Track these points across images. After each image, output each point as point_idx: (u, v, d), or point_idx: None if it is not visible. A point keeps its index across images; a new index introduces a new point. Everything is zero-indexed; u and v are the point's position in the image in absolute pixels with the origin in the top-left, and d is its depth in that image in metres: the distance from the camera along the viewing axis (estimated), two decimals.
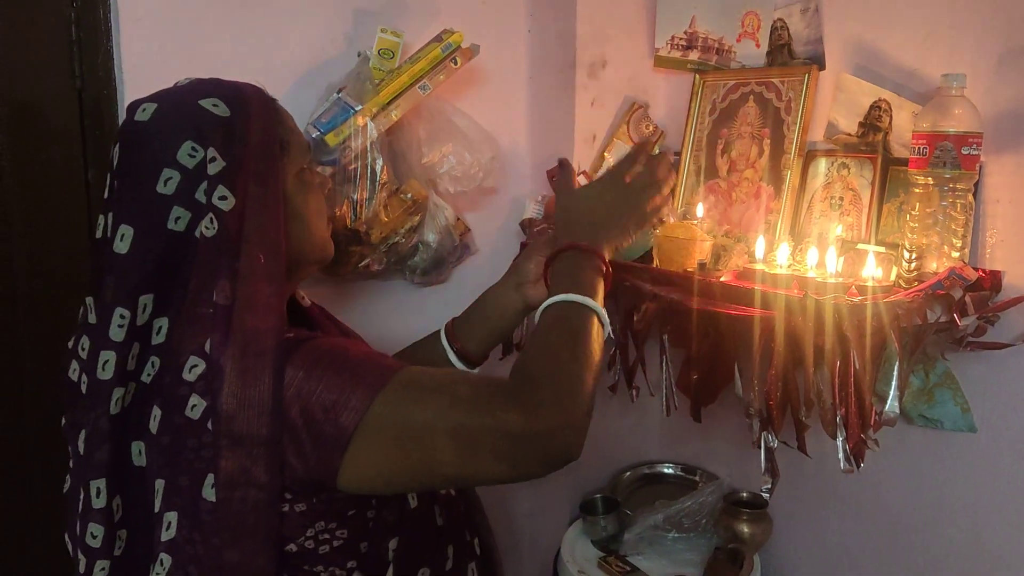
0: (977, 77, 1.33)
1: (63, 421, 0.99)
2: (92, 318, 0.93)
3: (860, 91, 1.52)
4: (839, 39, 1.58)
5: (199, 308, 0.90)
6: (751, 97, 1.70)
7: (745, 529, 1.73)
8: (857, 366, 1.25)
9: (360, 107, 1.49)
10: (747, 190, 1.69)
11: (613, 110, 1.87)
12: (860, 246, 1.42)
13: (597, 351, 0.99)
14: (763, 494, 1.45)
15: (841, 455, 1.29)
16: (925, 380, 1.46)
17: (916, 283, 1.28)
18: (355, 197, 1.52)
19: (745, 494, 1.79)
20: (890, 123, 1.48)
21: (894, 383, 1.29)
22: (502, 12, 1.79)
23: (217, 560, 0.88)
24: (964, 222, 1.31)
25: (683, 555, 1.79)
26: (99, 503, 0.92)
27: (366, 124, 1.50)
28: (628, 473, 2.08)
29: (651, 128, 1.89)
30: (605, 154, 1.86)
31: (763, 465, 1.43)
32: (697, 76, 1.81)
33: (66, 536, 0.98)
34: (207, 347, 0.89)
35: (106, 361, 0.90)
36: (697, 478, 2.03)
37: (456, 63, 1.57)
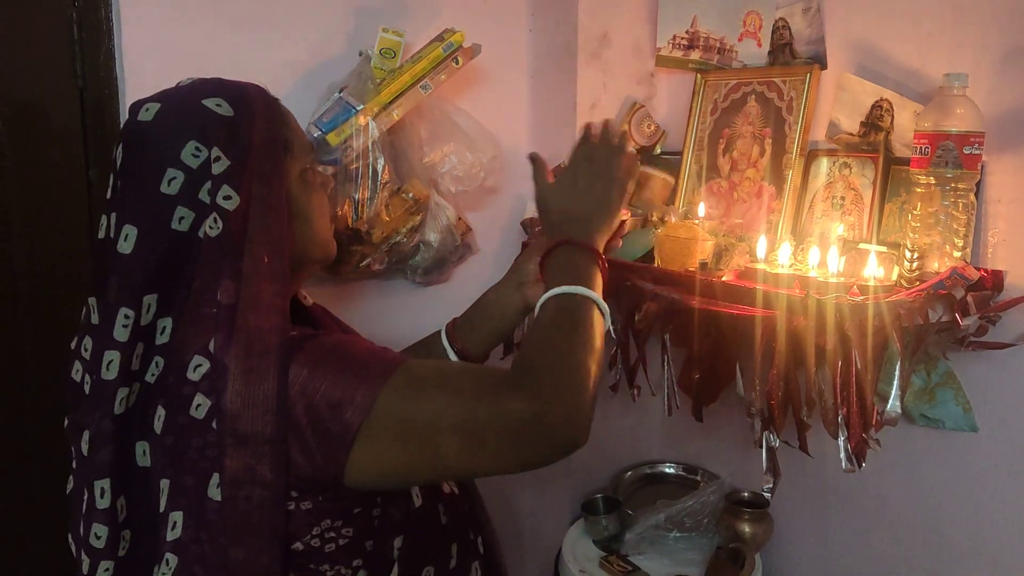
0: (979, 77, 1.33)
1: (66, 422, 0.99)
2: (95, 318, 0.93)
3: (862, 90, 1.52)
4: (841, 38, 1.58)
5: (203, 308, 0.90)
6: (753, 97, 1.70)
7: (746, 529, 1.73)
8: (859, 366, 1.25)
9: (362, 106, 1.49)
10: (749, 190, 1.69)
11: (614, 110, 1.87)
12: (862, 246, 1.42)
13: (598, 340, 0.99)
14: (764, 494, 1.45)
15: (842, 455, 1.29)
16: (927, 380, 1.46)
17: (918, 283, 1.28)
18: (356, 197, 1.52)
19: (746, 494, 1.79)
20: (892, 123, 1.48)
21: (896, 383, 1.30)
22: (503, 11, 1.79)
23: (223, 559, 0.89)
24: (966, 222, 1.31)
25: (684, 555, 1.79)
26: (103, 503, 0.92)
27: (367, 123, 1.50)
28: (629, 473, 2.08)
29: (652, 127, 1.88)
30: None
31: (764, 465, 1.43)
32: (699, 76, 1.81)
33: (69, 537, 0.98)
34: (211, 346, 0.89)
35: (110, 361, 0.90)
36: (698, 478, 2.03)
37: (458, 62, 1.57)
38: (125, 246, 0.91)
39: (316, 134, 1.48)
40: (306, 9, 1.56)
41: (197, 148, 0.92)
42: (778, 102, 1.65)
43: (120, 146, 0.96)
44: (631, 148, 1.21)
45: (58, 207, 1.48)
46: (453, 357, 1.30)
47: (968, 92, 1.29)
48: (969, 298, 1.27)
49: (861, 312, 1.23)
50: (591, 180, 1.16)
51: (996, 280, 1.33)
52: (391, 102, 1.52)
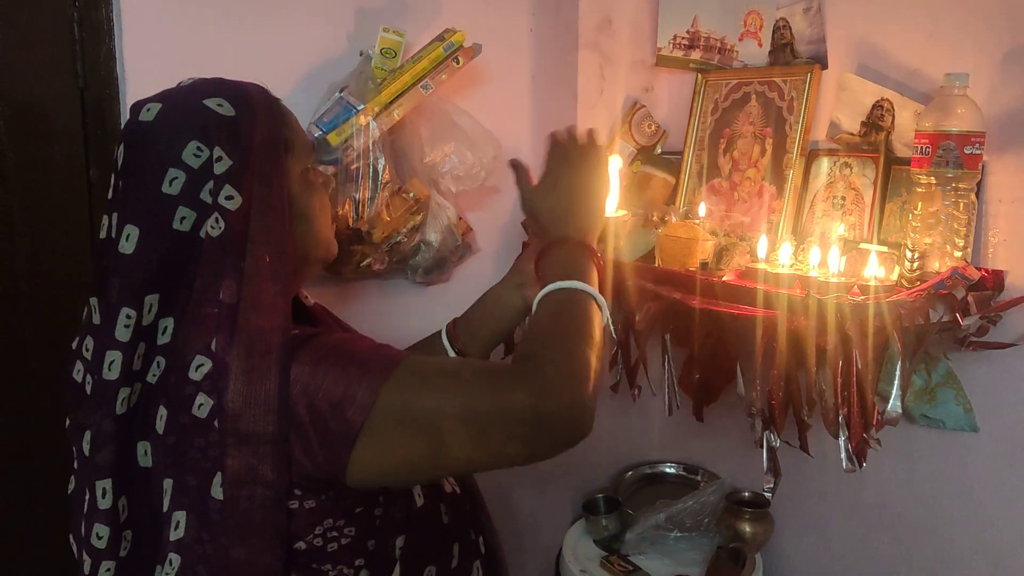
0: (980, 76, 1.33)
1: (67, 422, 0.99)
2: (97, 319, 0.93)
3: (862, 90, 1.52)
4: (841, 38, 1.58)
5: (204, 308, 0.90)
6: (753, 96, 1.70)
7: (747, 528, 1.73)
8: (859, 365, 1.25)
9: (362, 106, 1.49)
10: (749, 189, 1.69)
11: (615, 109, 1.87)
12: (862, 245, 1.42)
13: (597, 332, 0.99)
14: (765, 493, 1.45)
15: (843, 454, 1.29)
16: (927, 380, 1.46)
17: (918, 283, 1.28)
18: (357, 196, 1.52)
19: (747, 493, 1.79)
20: (892, 122, 1.48)
21: (896, 383, 1.30)
22: (504, 11, 1.79)
23: (225, 559, 0.88)
24: (967, 221, 1.31)
25: (685, 554, 1.79)
26: (105, 504, 0.91)
27: (368, 123, 1.50)
28: (630, 473, 2.08)
29: (653, 127, 1.88)
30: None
31: (765, 464, 1.43)
32: (699, 75, 1.81)
33: (71, 537, 0.98)
34: (213, 346, 0.89)
35: (112, 361, 0.90)
36: (699, 478, 2.03)
37: (458, 62, 1.57)
38: (127, 246, 0.91)
39: (317, 134, 1.48)
40: (307, 9, 1.56)
41: (199, 148, 0.92)
42: (779, 102, 1.65)
43: (121, 146, 0.96)
44: (600, 139, 1.22)
45: (59, 207, 1.48)
46: (453, 356, 1.30)
47: (969, 92, 1.29)
48: (970, 298, 1.27)
49: (862, 312, 1.23)
50: (572, 178, 1.17)
51: (997, 280, 1.33)
52: (392, 102, 1.52)
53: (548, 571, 1.95)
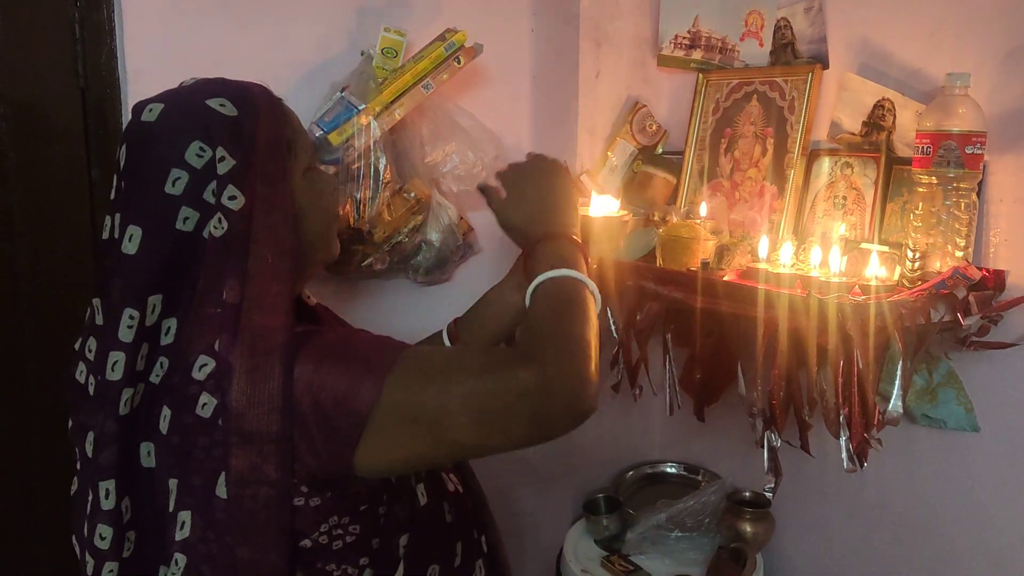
0: (981, 76, 1.33)
1: (70, 423, 0.99)
2: (99, 319, 0.93)
3: (864, 90, 1.52)
4: (843, 38, 1.58)
5: (208, 308, 0.90)
6: (754, 96, 1.70)
7: (748, 528, 1.73)
8: (860, 365, 1.25)
9: (363, 106, 1.49)
10: (750, 189, 1.69)
11: (616, 109, 1.87)
12: (864, 245, 1.42)
13: (593, 315, 1.01)
14: (766, 493, 1.45)
15: (844, 454, 1.29)
16: (928, 379, 1.46)
17: (920, 282, 1.28)
18: (358, 196, 1.52)
19: (748, 493, 1.79)
20: (894, 122, 1.48)
21: (897, 382, 1.30)
22: (505, 11, 1.79)
23: (230, 558, 0.89)
24: (968, 221, 1.31)
25: (686, 554, 1.79)
26: (108, 504, 0.91)
27: (369, 123, 1.50)
28: (631, 472, 2.08)
29: (654, 127, 1.89)
30: (608, 153, 1.86)
31: (766, 464, 1.43)
32: (700, 75, 1.81)
33: (73, 538, 0.98)
34: (216, 346, 0.89)
35: (115, 362, 0.90)
36: (700, 477, 2.03)
37: (459, 62, 1.57)
38: (129, 247, 0.91)
39: (318, 133, 1.48)
40: (308, 8, 1.57)
41: (201, 148, 0.92)
42: (780, 102, 1.65)
43: (124, 146, 0.96)
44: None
45: (60, 207, 1.48)
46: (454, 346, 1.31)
47: (970, 92, 1.29)
48: (971, 298, 1.27)
49: (863, 312, 1.23)
50: (536, 184, 1.20)
51: (998, 280, 1.33)
52: (393, 101, 1.52)
53: (549, 571, 1.95)
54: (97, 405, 0.92)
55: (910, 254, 1.30)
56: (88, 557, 0.94)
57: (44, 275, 1.49)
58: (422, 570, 1.04)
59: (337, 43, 1.60)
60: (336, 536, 0.94)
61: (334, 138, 1.48)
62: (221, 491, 0.88)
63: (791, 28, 1.66)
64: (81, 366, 0.97)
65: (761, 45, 1.72)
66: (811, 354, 1.29)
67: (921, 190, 1.32)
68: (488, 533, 1.18)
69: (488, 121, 1.68)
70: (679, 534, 1.81)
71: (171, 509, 0.91)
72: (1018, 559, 1.42)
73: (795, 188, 1.60)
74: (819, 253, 1.39)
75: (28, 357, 1.50)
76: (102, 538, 0.92)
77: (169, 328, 0.92)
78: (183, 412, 0.89)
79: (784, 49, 1.68)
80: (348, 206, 1.52)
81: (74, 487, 0.98)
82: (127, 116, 1.03)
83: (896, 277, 1.33)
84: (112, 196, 0.96)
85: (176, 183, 0.92)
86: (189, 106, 0.96)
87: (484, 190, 1.26)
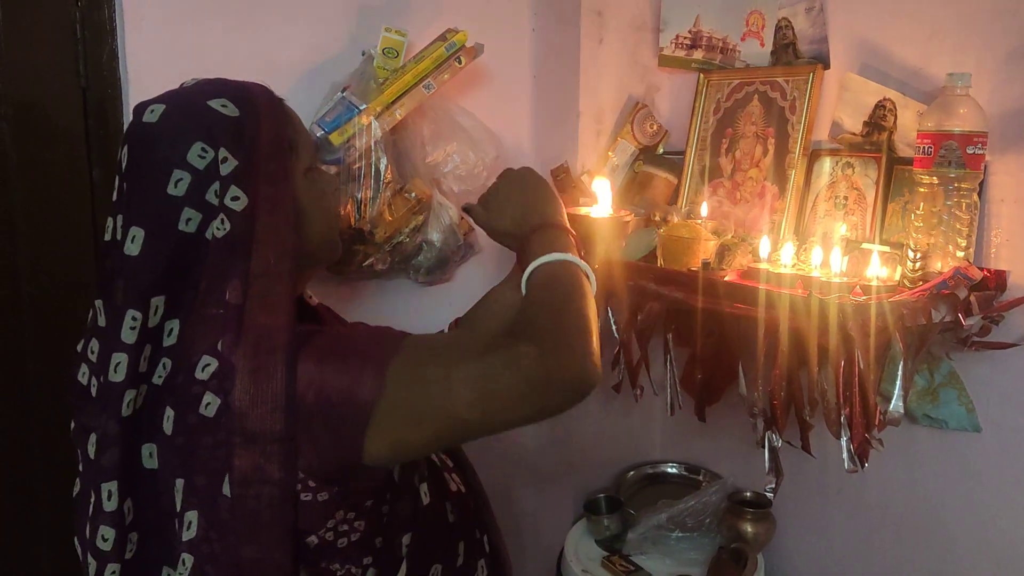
0: (982, 76, 1.33)
1: (72, 425, 0.99)
2: (102, 321, 0.93)
3: (865, 90, 1.52)
4: (844, 38, 1.58)
5: (210, 309, 0.90)
6: (755, 96, 1.70)
7: (749, 528, 1.73)
8: (861, 366, 1.25)
9: (364, 106, 1.49)
10: (751, 189, 1.69)
11: (617, 109, 1.87)
12: (864, 245, 1.42)
13: (588, 293, 1.02)
14: (767, 494, 1.45)
15: (845, 455, 1.29)
16: (930, 380, 1.46)
17: (921, 283, 1.28)
18: (359, 196, 1.52)
19: (749, 493, 1.79)
20: (895, 122, 1.48)
21: (898, 383, 1.30)
22: (506, 11, 1.79)
23: (235, 557, 0.89)
24: (969, 221, 1.31)
25: (687, 554, 1.79)
26: (110, 506, 0.92)
27: (370, 123, 1.50)
28: (632, 473, 2.08)
29: (655, 127, 1.88)
30: (609, 153, 1.86)
31: (767, 465, 1.43)
32: (701, 75, 1.81)
33: (75, 540, 0.98)
34: (219, 346, 0.89)
35: (118, 363, 0.90)
36: (701, 477, 2.03)
37: (460, 62, 1.57)
38: (132, 248, 0.91)
39: (319, 134, 1.48)
40: (309, 9, 1.56)
41: (203, 149, 0.92)
42: (781, 102, 1.65)
43: (125, 148, 0.96)
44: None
45: (61, 207, 1.48)
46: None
47: (971, 92, 1.29)
48: (972, 298, 1.27)
49: (864, 312, 1.23)
50: (513, 190, 1.23)
51: (999, 280, 1.33)
52: (394, 102, 1.52)
53: (550, 571, 1.95)
54: (100, 407, 0.92)
55: (911, 254, 1.30)
56: (90, 558, 0.94)
57: (45, 275, 1.48)
58: (425, 570, 1.04)
59: (338, 43, 1.60)
60: (342, 533, 0.94)
61: (335, 138, 1.48)
62: (226, 491, 0.88)
63: (792, 28, 1.66)
64: (83, 367, 0.97)
65: (762, 45, 1.72)
66: (812, 354, 1.29)
67: (922, 190, 1.32)
68: (490, 533, 1.19)
69: (489, 121, 1.68)
70: (680, 534, 1.81)
71: (178, 509, 0.91)
72: (1020, 559, 1.41)
73: (796, 188, 1.60)
74: (820, 253, 1.39)
75: (29, 357, 1.50)
76: (104, 539, 0.92)
77: (172, 329, 0.92)
78: (187, 412, 0.90)
79: (785, 49, 1.68)
80: (349, 206, 1.52)
81: (76, 488, 0.98)
82: (128, 116, 1.03)
83: (897, 277, 1.33)
84: (114, 197, 0.96)
85: (178, 184, 0.92)
86: (190, 107, 0.96)
87: (467, 209, 1.29)
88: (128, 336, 0.90)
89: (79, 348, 0.98)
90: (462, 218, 1.72)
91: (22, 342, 1.49)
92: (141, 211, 0.92)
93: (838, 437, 1.29)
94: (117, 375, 0.90)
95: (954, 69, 1.31)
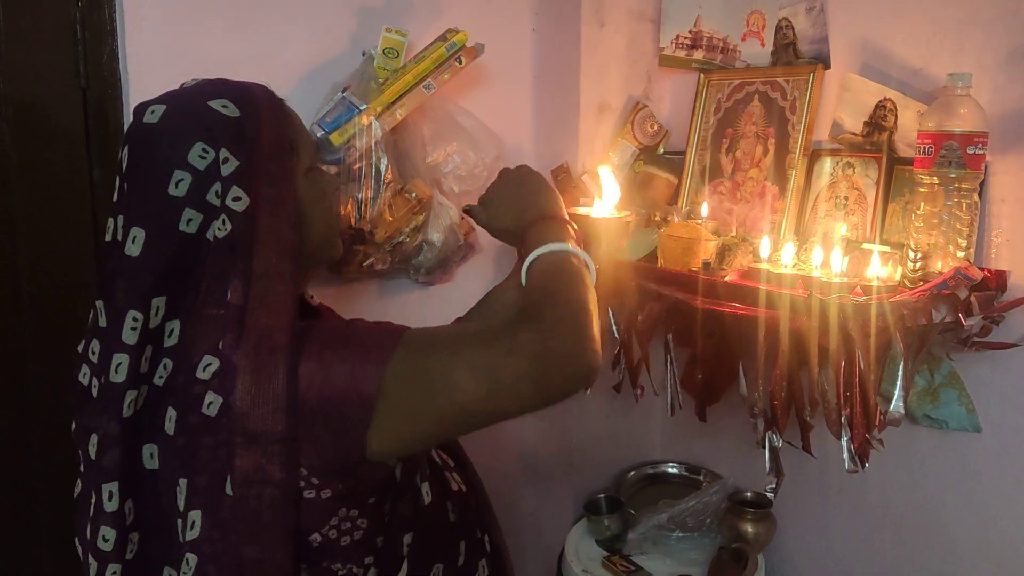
0: (983, 76, 1.33)
1: (73, 426, 0.99)
2: (103, 321, 0.93)
3: (865, 90, 1.52)
4: (844, 38, 1.58)
5: (211, 309, 0.90)
6: (756, 96, 1.70)
7: (749, 529, 1.73)
8: (862, 366, 1.25)
9: (365, 106, 1.49)
10: (752, 189, 1.69)
11: (617, 109, 1.87)
12: (865, 246, 1.42)
13: (587, 280, 1.02)
14: (767, 494, 1.46)
15: (846, 455, 1.30)
16: (930, 380, 1.46)
17: (921, 283, 1.28)
18: (360, 196, 1.52)
19: (749, 494, 1.79)
20: (895, 122, 1.48)
21: (899, 383, 1.30)
22: (506, 11, 1.79)
23: (236, 558, 0.89)
24: (969, 222, 1.31)
25: (687, 554, 1.79)
26: (111, 506, 0.91)
27: (371, 123, 1.50)
28: (632, 473, 2.08)
29: (655, 127, 1.88)
30: (609, 153, 1.86)
31: (767, 465, 1.43)
32: (702, 75, 1.81)
33: (76, 540, 0.98)
34: (220, 346, 0.89)
35: (119, 364, 0.90)
36: (701, 478, 2.03)
37: (460, 62, 1.57)
38: (133, 248, 0.91)
39: (319, 134, 1.48)
40: (309, 9, 1.57)
41: (204, 150, 0.92)
42: (781, 102, 1.65)
43: (125, 148, 0.96)
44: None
45: (61, 208, 1.48)
46: None
47: (972, 92, 1.29)
48: (973, 298, 1.27)
49: (864, 312, 1.23)
50: (510, 187, 1.24)
51: (1000, 280, 1.33)
52: (394, 102, 1.52)
53: (550, 571, 1.95)
54: (101, 407, 0.92)
55: (912, 254, 1.30)
56: (91, 559, 0.94)
57: (45, 275, 1.48)
58: (426, 569, 1.04)
59: (338, 43, 1.60)
60: (345, 531, 0.94)
61: (335, 138, 1.48)
62: (228, 490, 0.88)
63: (793, 28, 1.66)
64: (84, 368, 0.97)
65: (763, 45, 1.72)
66: (812, 354, 1.29)
67: (923, 190, 1.32)
68: (491, 532, 1.18)
69: (489, 121, 1.68)
70: (680, 534, 1.81)
71: (181, 509, 0.91)
72: (1020, 559, 1.41)
73: (796, 188, 1.60)
74: (821, 253, 1.39)
75: (29, 357, 1.50)
76: (105, 540, 0.92)
77: (172, 330, 0.92)
78: (188, 412, 0.89)
79: (786, 49, 1.68)
80: (350, 206, 1.52)
81: (77, 489, 0.98)
82: (128, 116, 1.03)
83: (898, 277, 1.33)
84: (115, 198, 0.96)
85: (179, 185, 0.92)
86: (191, 107, 0.96)
87: (468, 211, 1.30)
88: (129, 337, 0.90)
89: (80, 349, 0.98)
90: (462, 218, 1.72)
91: (22, 342, 1.49)
92: (142, 212, 0.92)
93: (838, 437, 1.29)
94: (118, 376, 0.90)
95: (955, 69, 1.31)
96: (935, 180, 1.30)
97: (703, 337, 1.53)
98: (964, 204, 1.30)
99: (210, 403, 0.88)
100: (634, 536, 1.82)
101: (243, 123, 0.95)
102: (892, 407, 1.31)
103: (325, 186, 1.09)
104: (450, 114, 1.64)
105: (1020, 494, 1.40)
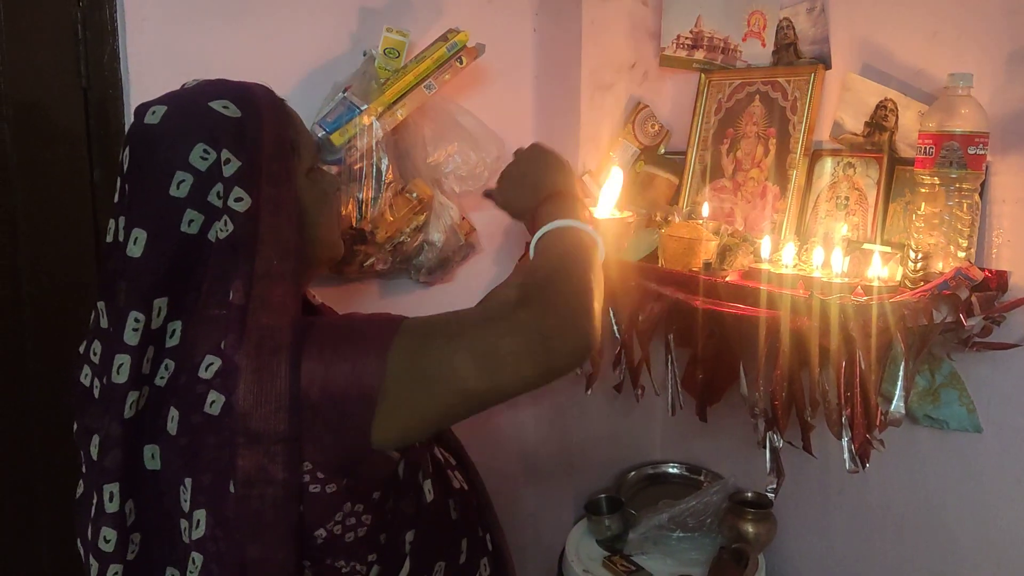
0: (984, 76, 1.33)
1: (75, 426, 0.99)
2: (104, 322, 0.93)
3: (866, 90, 1.52)
4: (845, 38, 1.58)
5: (213, 310, 0.90)
6: (757, 96, 1.70)
7: (750, 529, 1.73)
8: (863, 366, 1.25)
9: (365, 106, 1.49)
10: (753, 190, 1.69)
11: (618, 109, 1.87)
12: (866, 246, 1.42)
13: (591, 256, 1.03)
14: (768, 494, 1.46)
15: (846, 455, 1.30)
16: (931, 380, 1.46)
17: (922, 283, 1.28)
18: (360, 196, 1.52)
19: (750, 494, 1.79)
20: (896, 123, 1.48)
21: (900, 383, 1.30)
22: (507, 11, 1.79)
23: (239, 556, 0.89)
24: (970, 222, 1.31)
25: (688, 555, 1.79)
26: (112, 507, 0.92)
27: (371, 123, 1.50)
28: (633, 473, 2.08)
29: (656, 127, 1.88)
30: (610, 153, 1.86)
31: (768, 465, 1.43)
32: (703, 75, 1.81)
33: (78, 542, 0.98)
34: (222, 346, 0.89)
35: (120, 365, 0.90)
36: (702, 478, 2.03)
37: (461, 62, 1.57)
38: (134, 249, 0.91)
39: (320, 134, 1.48)
40: (310, 9, 1.56)
41: (205, 151, 0.92)
42: (782, 102, 1.65)
43: (127, 149, 0.96)
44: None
45: (62, 208, 1.48)
46: None
47: (973, 92, 1.29)
48: (973, 299, 1.27)
49: (865, 312, 1.23)
50: (524, 167, 1.25)
51: (1000, 281, 1.33)
52: (395, 102, 1.52)
53: (551, 571, 1.95)
54: (102, 408, 0.92)
55: (912, 255, 1.30)
56: (92, 560, 0.94)
57: (46, 275, 1.48)
58: (428, 567, 1.04)
59: (339, 43, 1.60)
60: (349, 527, 0.94)
61: (336, 138, 1.48)
62: (231, 489, 0.88)
63: (793, 28, 1.66)
64: (86, 369, 0.97)
65: (763, 45, 1.72)
66: (813, 355, 1.29)
67: (923, 191, 1.32)
68: (493, 531, 1.19)
69: (490, 121, 1.68)
70: (681, 534, 1.81)
71: (187, 509, 0.91)
72: (1021, 559, 1.41)
73: (797, 188, 1.60)
74: (821, 253, 1.39)
75: (29, 358, 1.50)
76: (106, 541, 0.92)
77: (174, 331, 0.92)
78: (191, 412, 0.89)
79: (786, 49, 1.68)
80: (350, 207, 1.52)
81: (80, 490, 0.98)
82: (129, 116, 1.03)
83: (898, 278, 1.33)
84: (116, 199, 0.96)
85: (180, 186, 0.92)
86: (192, 108, 0.96)
87: (487, 194, 1.31)
88: (131, 338, 0.90)
89: (81, 350, 0.98)
90: (463, 218, 1.72)
91: (23, 342, 1.49)
92: (143, 213, 0.92)
93: (839, 438, 1.29)
94: (120, 376, 0.90)
95: (955, 69, 1.31)
96: (936, 180, 1.30)
97: (704, 337, 1.53)
98: (965, 204, 1.30)
99: (213, 402, 0.88)
100: (635, 536, 1.82)
101: (244, 124, 0.95)
102: (893, 407, 1.31)
103: (326, 186, 1.09)
104: (451, 114, 1.64)
105: (1021, 494, 1.40)
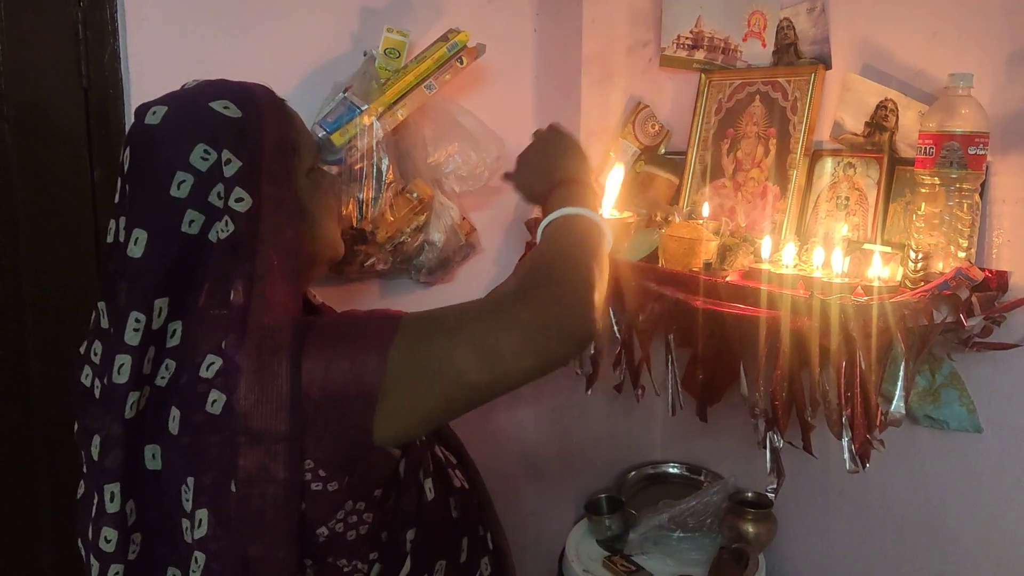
0: (984, 77, 1.33)
1: (75, 427, 0.99)
2: (105, 323, 0.93)
3: (866, 91, 1.52)
4: (845, 38, 1.58)
5: (214, 310, 0.91)
6: (757, 97, 1.70)
7: (750, 529, 1.73)
8: (863, 366, 1.25)
9: (366, 106, 1.49)
10: (753, 190, 1.69)
11: (619, 109, 1.87)
12: (866, 246, 1.42)
13: (596, 243, 1.03)
14: (768, 494, 1.46)
15: (847, 455, 1.30)
16: (931, 380, 1.46)
17: (922, 283, 1.28)
18: (361, 196, 1.52)
19: (750, 494, 1.79)
20: (896, 123, 1.48)
21: (900, 383, 1.30)
22: (508, 11, 1.79)
23: (240, 555, 0.89)
24: (970, 222, 1.31)
25: (688, 555, 1.79)
26: (113, 507, 0.92)
27: (372, 123, 1.50)
28: (633, 473, 2.08)
29: (656, 127, 1.88)
30: (611, 153, 1.86)
31: (768, 465, 1.43)
32: (703, 75, 1.81)
33: (79, 541, 0.98)
34: (223, 346, 0.89)
35: (121, 365, 0.90)
36: (702, 478, 2.03)
37: (462, 62, 1.57)
38: (135, 250, 0.91)
39: (321, 134, 1.48)
40: (310, 9, 1.57)
41: (206, 151, 0.92)
42: (782, 102, 1.65)
43: (127, 150, 0.96)
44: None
45: (62, 208, 1.48)
46: None
47: (973, 92, 1.29)
48: (973, 299, 1.27)
49: (865, 313, 1.23)
50: (540, 151, 1.24)
51: (1000, 281, 1.33)
52: (395, 102, 1.52)
53: (551, 571, 1.95)
54: (103, 408, 0.92)
55: (913, 255, 1.30)
56: (93, 560, 0.94)
57: (46, 276, 1.49)
58: (429, 565, 1.04)
59: (340, 44, 1.60)
60: (351, 525, 0.94)
61: (337, 139, 1.48)
62: (233, 488, 0.88)
63: (794, 28, 1.66)
64: (87, 369, 0.97)
65: (764, 45, 1.72)
66: (813, 355, 1.29)
67: (924, 191, 1.32)
68: (493, 531, 1.19)
69: (491, 121, 1.68)
70: (681, 534, 1.81)
71: (189, 509, 0.91)
72: (1022, 559, 1.41)
73: (798, 189, 1.60)
74: (822, 254, 1.39)
75: (30, 358, 1.50)
76: (107, 541, 0.92)
77: (175, 331, 0.92)
78: (192, 411, 0.90)
79: (787, 49, 1.68)
80: (351, 207, 1.52)
81: (81, 490, 0.99)
82: (130, 117, 1.03)
83: (899, 278, 1.33)
84: (116, 199, 0.96)
85: (181, 186, 0.92)
86: (192, 108, 0.96)
87: (507, 176, 1.30)
88: (132, 338, 0.90)
89: (82, 350, 0.99)
90: (464, 218, 1.72)
91: (24, 342, 1.49)
92: (144, 213, 0.92)
93: (839, 438, 1.30)
94: (121, 377, 0.90)
95: (956, 69, 1.31)
96: (936, 180, 1.30)
97: (704, 337, 1.53)
98: (965, 204, 1.30)
99: (214, 401, 0.88)
100: (635, 536, 1.82)
101: (245, 124, 0.95)
102: (893, 407, 1.31)
103: (327, 186, 1.09)
104: (451, 114, 1.64)
105: (1021, 494, 1.40)
